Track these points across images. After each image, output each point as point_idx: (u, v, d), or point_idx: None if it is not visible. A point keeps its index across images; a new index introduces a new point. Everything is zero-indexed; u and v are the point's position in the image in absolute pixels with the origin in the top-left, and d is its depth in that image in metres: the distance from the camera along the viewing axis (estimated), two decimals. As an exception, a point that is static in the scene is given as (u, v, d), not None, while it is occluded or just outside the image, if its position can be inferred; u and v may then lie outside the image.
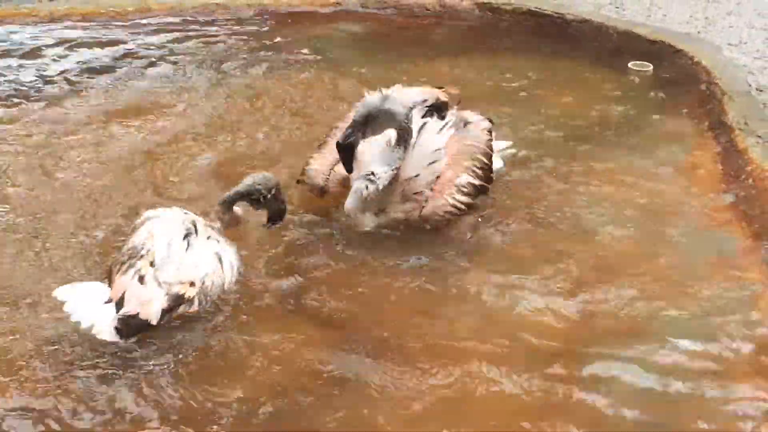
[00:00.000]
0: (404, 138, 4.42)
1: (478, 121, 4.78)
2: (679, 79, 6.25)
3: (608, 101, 5.98)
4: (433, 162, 4.52)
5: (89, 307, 3.60)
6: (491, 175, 4.70)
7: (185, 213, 4.00)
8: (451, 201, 4.50)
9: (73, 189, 4.80)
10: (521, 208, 4.75)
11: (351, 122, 4.36)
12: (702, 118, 5.73)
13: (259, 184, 4.16)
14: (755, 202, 4.75)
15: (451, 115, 4.73)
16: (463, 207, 4.52)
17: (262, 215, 4.30)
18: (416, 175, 4.48)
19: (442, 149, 4.56)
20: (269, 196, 4.19)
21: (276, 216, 4.30)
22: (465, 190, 4.53)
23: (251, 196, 4.18)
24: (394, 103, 4.36)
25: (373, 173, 4.41)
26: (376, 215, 4.49)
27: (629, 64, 6.36)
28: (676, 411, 3.51)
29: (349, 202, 4.45)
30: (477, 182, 4.58)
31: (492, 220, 4.63)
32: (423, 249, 4.40)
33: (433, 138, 4.59)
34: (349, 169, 4.43)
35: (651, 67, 6.32)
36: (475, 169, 4.58)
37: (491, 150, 4.73)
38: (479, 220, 4.59)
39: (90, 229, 4.44)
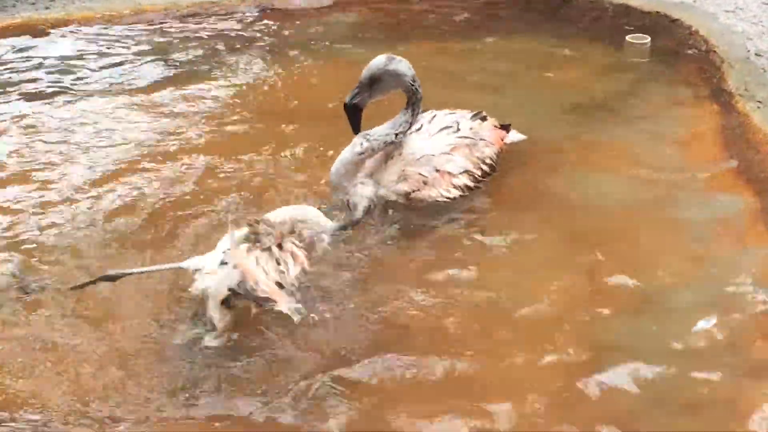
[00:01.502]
0: (412, 101, 4.45)
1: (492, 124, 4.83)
2: (677, 49, 6.24)
3: (607, 76, 5.98)
4: (446, 151, 4.56)
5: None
6: (492, 172, 4.72)
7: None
8: (444, 194, 4.53)
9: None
10: (526, 182, 4.78)
11: (357, 84, 4.39)
12: (702, 86, 5.73)
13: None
14: (758, 167, 4.76)
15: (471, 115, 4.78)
16: (452, 199, 4.55)
17: None
18: (432, 155, 4.52)
19: (458, 144, 4.61)
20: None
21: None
22: (459, 188, 4.57)
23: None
24: (400, 64, 4.40)
25: (368, 133, 4.44)
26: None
27: (627, 38, 6.33)
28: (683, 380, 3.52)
29: (338, 160, 4.46)
30: (473, 184, 4.62)
31: (496, 194, 4.67)
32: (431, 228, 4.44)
33: (452, 134, 4.63)
34: (356, 131, 4.47)
35: (648, 39, 6.30)
36: (476, 172, 4.63)
37: (497, 155, 4.77)
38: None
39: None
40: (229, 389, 3.50)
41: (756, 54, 5.93)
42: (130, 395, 3.47)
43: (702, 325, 3.70)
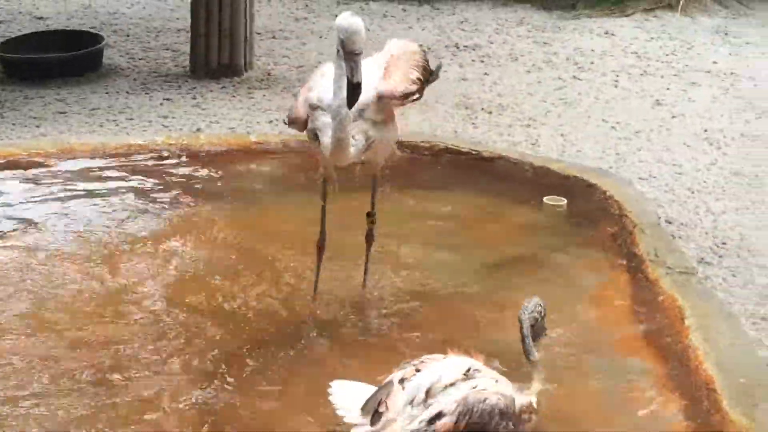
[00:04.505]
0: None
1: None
2: (592, 213, 6.40)
3: (523, 236, 6.09)
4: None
5: None
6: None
7: None
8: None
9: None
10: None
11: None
12: (615, 250, 5.85)
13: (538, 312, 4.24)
14: (666, 331, 4.84)
15: None
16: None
17: None
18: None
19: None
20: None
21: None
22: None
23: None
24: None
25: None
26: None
27: (544, 199, 6.47)
28: None
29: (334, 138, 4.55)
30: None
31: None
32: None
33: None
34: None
35: (565, 202, 6.45)
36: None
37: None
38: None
39: None
40: None
41: (666, 221, 6.15)
42: None
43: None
